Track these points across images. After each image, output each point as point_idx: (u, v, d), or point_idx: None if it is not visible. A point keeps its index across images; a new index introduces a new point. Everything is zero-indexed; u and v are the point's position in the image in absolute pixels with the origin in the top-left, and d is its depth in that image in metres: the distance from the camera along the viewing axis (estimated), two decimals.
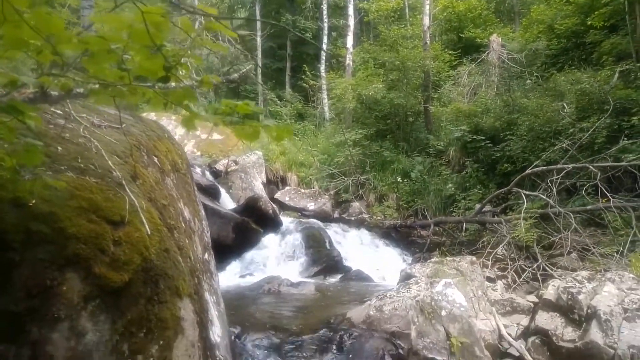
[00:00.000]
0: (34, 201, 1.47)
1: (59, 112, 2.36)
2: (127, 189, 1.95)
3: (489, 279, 5.70)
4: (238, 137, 1.20)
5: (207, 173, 10.67)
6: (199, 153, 11.82)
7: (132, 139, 2.57)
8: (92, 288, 1.59)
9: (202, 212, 3.38)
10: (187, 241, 2.56)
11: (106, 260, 1.64)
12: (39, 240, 1.48)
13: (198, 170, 9.60)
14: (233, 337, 3.48)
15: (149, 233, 1.88)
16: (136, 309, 1.72)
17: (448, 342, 3.84)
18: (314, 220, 9.55)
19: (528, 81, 10.67)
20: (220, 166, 11.37)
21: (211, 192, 8.80)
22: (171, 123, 11.37)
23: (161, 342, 1.79)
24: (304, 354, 3.48)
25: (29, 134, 1.39)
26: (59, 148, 1.88)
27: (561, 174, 6.59)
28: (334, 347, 3.56)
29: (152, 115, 9.32)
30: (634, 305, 3.99)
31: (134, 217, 1.85)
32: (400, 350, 3.62)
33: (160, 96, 1.18)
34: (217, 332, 2.49)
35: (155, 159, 2.80)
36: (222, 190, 9.93)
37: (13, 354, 1.48)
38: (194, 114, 1.17)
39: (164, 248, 1.97)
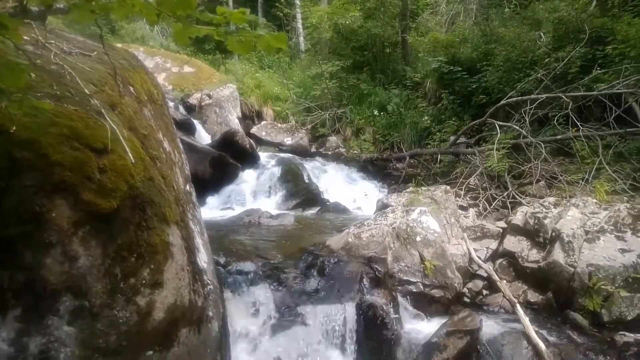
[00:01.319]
0: (14, 128, 1.44)
1: (25, 37, 2.24)
2: (107, 118, 1.92)
3: (461, 208, 5.93)
4: (232, 49, 1.18)
5: (181, 107, 10.42)
6: (170, 87, 11.42)
7: (107, 67, 2.48)
8: (82, 214, 1.61)
9: (180, 144, 3.36)
10: (169, 172, 2.56)
11: (93, 187, 1.65)
12: (24, 167, 1.47)
13: (171, 104, 9.35)
14: (217, 265, 3.60)
15: (133, 162, 1.88)
16: (126, 234, 1.76)
17: (422, 265, 4.07)
18: (291, 155, 9.59)
19: (507, 9, 10.50)
20: (193, 100, 11.09)
21: (186, 127, 8.66)
22: (139, 55, 10.87)
23: (152, 266, 1.86)
24: (287, 278, 3.64)
25: (10, 52, 1.33)
26: (33, 75, 1.81)
27: (534, 104, 6.70)
28: (315, 272, 3.73)
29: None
30: (595, 228, 4.25)
31: (116, 145, 1.84)
32: (378, 273, 3.82)
33: (152, 6, 1.13)
34: (203, 259, 2.57)
35: (131, 89, 2.72)
36: (197, 125, 9.77)
37: (8, 278, 1.51)
38: (186, 26, 1.13)
39: (148, 176, 1.98)
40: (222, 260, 3.77)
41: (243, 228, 5.52)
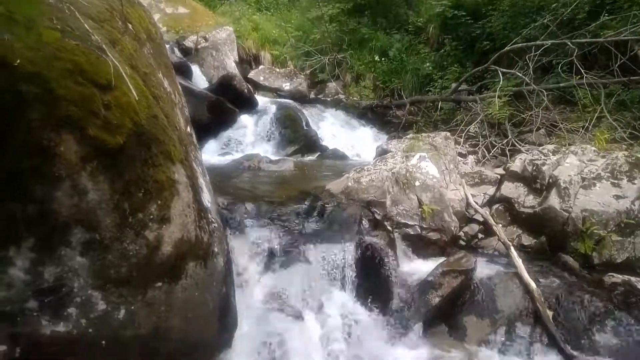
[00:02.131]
0: (18, 61, 1.43)
1: None
2: (109, 54, 1.89)
3: (460, 155, 5.96)
4: None
5: (176, 50, 10.15)
6: (165, 28, 11.06)
7: (104, 3, 2.41)
8: (89, 149, 1.62)
9: (179, 86, 3.32)
10: (171, 112, 2.56)
11: (99, 123, 1.65)
12: (30, 101, 1.47)
13: (166, 46, 9.12)
14: (219, 207, 3.66)
15: (137, 99, 1.88)
16: (133, 171, 1.79)
17: (420, 209, 4.15)
18: (290, 101, 9.47)
19: None
20: (189, 43, 10.79)
21: (182, 70, 8.48)
22: None
23: (159, 202, 1.90)
24: (288, 220, 3.72)
25: None
26: None
27: (539, 51, 6.57)
28: (316, 214, 3.80)
29: None
30: (592, 175, 4.31)
31: (119, 82, 1.83)
32: (376, 216, 3.91)
33: None
34: (207, 198, 2.61)
35: (130, 26, 2.66)
36: (194, 69, 9.58)
37: (20, 211, 1.55)
38: None
39: (152, 114, 1.98)
40: (223, 201, 3.83)
41: (243, 172, 5.56)
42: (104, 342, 1.89)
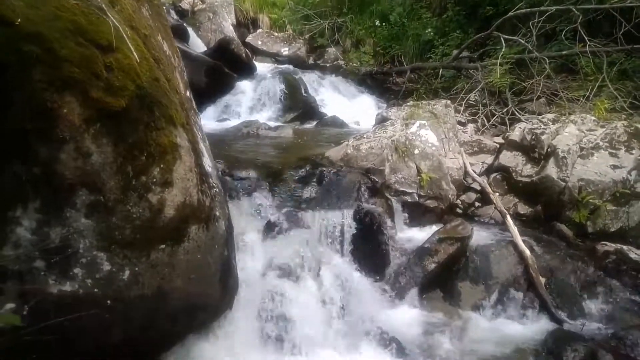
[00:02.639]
0: (19, 20, 1.41)
1: None
2: (109, 14, 1.86)
3: (460, 123, 5.95)
4: None
5: (172, 12, 9.95)
6: None
7: None
8: (92, 112, 1.62)
9: (178, 49, 3.27)
10: (171, 75, 2.53)
11: (101, 85, 1.64)
12: (32, 61, 1.45)
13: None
14: (219, 172, 3.67)
15: (138, 61, 1.86)
16: (135, 134, 1.79)
17: (418, 177, 4.18)
18: (289, 66, 9.34)
19: None
20: (185, 5, 10.56)
21: (179, 33, 8.30)
22: None
23: (162, 166, 1.91)
24: (287, 186, 3.74)
25: None
26: None
27: (543, 17, 6.45)
28: (315, 181, 3.82)
29: None
30: (590, 145, 4.33)
31: (120, 43, 1.80)
32: (375, 184, 3.93)
33: None
34: (208, 163, 2.62)
35: None
36: (191, 32, 9.39)
37: (25, 172, 1.56)
38: None
39: (154, 77, 1.96)
40: (223, 167, 3.83)
41: (241, 139, 5.55)
42: (109, 301, 1.94)
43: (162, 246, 1.99)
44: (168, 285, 2.11)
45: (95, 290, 1.87)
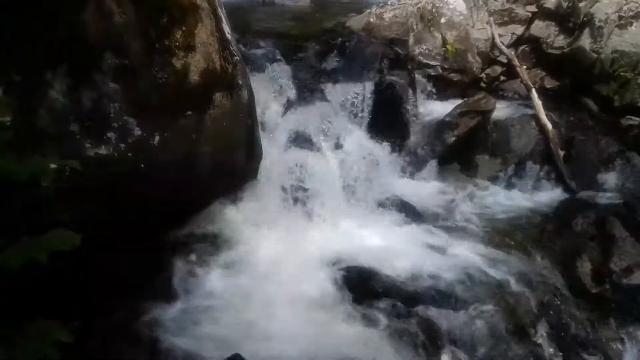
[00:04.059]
0: None
1: None
2: None
3: None
4: None
5: None
6: None
7: None
8: None
9: None
10: None
11: None
12: None
13: None
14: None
15: None
16: None
17: (443, 48, 4.01)
18: None
19: None
20: None
21: None
22: None
23: (184, 28, 1.86)
24: (307, 57, 3.64)
25: None
26: None
27: None
28: (335, 52, 3.70)
29: None
30: (630, 13, 4.02)
31: None
32: (398, 55, 3.79)
33: None
34: (227, 30, 2.54)
35: None
36: None
37: (53, 36, 1.54)
38: None
39: None
40: (239, 38, 3.70)
41: (257, 8, 5.26)
42: (142, 165, 2.03)
43: (189, 112, 2.02)
44: (196, 150, 2.19)
45: (129, 154, 1.95)
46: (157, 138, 1.98)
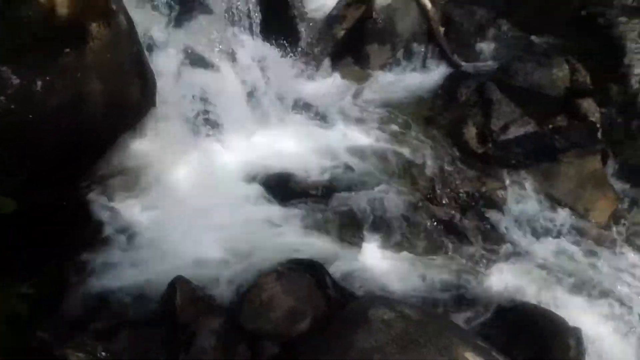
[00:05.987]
0: None
1: None
2: None
3: None
4: None
5: None
6: None
7: None
8: None
9: None
10: None
11: None
12: None
13: None
14: None
15: None
16: None
17: None
18: None
19: None
20: None
21: None
22: None
23: None
24: None
25: None
26: None
27: None
28: None
29: None
30: None
31: None
32: None
33: None
34: None
35: None
36: None
37: None
38: None
39: None
40: None
41: None
42: (30, 115, 1.92)
43: (67, 50, 1.89)
44: (84, 89, 2.07)
45: (12, 107, 1.82)
46: (39, 84, 1.86)
